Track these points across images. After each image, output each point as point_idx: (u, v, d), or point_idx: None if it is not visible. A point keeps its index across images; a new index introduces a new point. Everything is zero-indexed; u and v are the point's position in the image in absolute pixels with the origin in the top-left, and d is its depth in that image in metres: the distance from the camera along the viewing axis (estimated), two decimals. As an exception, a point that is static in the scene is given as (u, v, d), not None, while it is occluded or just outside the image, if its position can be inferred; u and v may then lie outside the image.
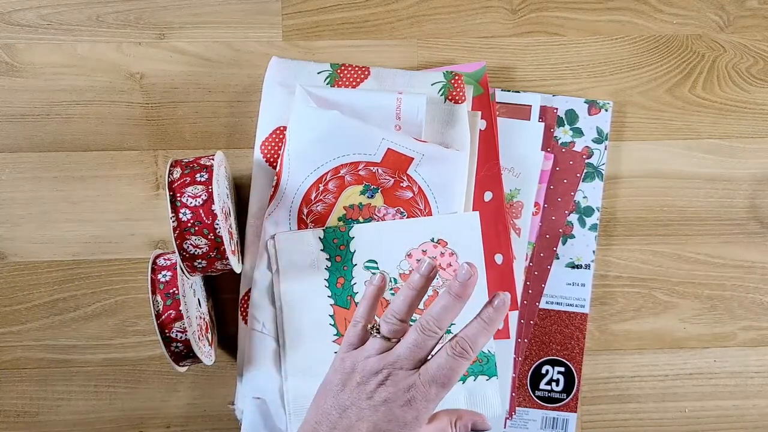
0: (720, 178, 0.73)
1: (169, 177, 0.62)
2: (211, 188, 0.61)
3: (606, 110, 0.72)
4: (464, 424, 0.55)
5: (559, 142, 0.72)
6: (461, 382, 0.67)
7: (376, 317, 0.57)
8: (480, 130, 0.70)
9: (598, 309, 0.73)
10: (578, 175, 0.72)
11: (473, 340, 0.52)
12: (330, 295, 0.68)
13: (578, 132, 0.72)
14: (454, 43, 0.73)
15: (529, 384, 0.72)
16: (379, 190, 0.68)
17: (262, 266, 0.68)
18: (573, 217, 0.72)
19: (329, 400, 0.53)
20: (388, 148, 0.67)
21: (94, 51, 0.72)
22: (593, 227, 0.72)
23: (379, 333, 0.54)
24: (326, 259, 0.68)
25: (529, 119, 0.72)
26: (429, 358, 0.53)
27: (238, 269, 0.66)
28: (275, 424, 0.67)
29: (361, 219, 0.68)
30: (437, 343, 0.53)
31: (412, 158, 0.67)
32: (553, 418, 0.71)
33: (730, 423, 0.73)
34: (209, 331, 0.68)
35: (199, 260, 0.62)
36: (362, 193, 0.68)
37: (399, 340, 0.54)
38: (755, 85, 0.73)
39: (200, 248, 0.61)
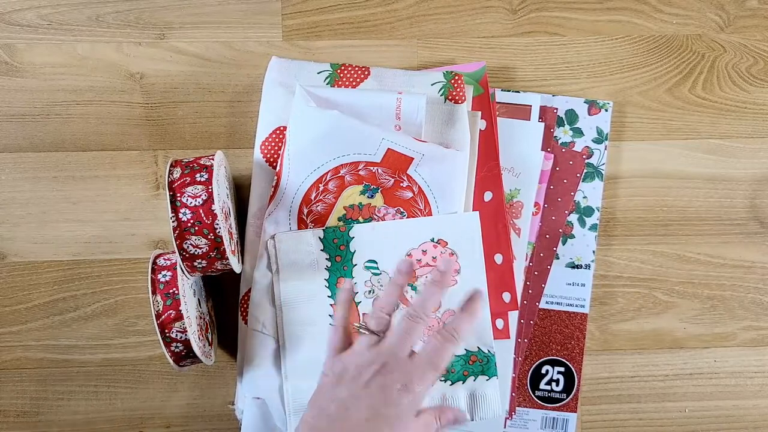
0: (720, 178, 0.73)
1: (169, 177, 0.62)
2: (211, 188, 0.61)
3: (606, 110, 0.72)
4: (447, 417, 0.58)
5: (559, 142, 0.72)
6: (461, 382, 0.67)
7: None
8: (480, 130, 0.70)
9: (598, 309, 0.73)
10: (578, 175, 0.72)
11: (459, 325, 0.57)
12: (330, 295, 0.68)
13: (578, 132, 0.72)
14: (454, 43, 0.73)
15: (529, 384, 0.72)
16: (379, 190, 0.68)
17: (262, 266, 0.68)
18: (573, 217, 0.72)
19: (325, 397, 0.55)
20: (388, 148, 0.67)
21: (94, 51, 0.72)
22: (593, 227, 0.72)
23: (368, 329, 0.57)
24: (326, 259, 0.68)
25: (529, 119, 0.72)
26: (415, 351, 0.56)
27: (238, 269, 0.66)
28: (275, 424, 0.67)
29: (361, 219, 0.68)
30: (423, 330, 0.57)
31: (412, 158, 0.67)
32: (553, 418, 0.71)
33: (730, 423, 0.73)
34: (209, 331, 0.68)
35: (199, 260, 0.62)
36: (362, 193, 0.68)
37: (385, 334, 0.57)
38: (755, 85, 0.73)
39: (200, 248, 0.61)
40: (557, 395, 0.72)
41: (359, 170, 0.68)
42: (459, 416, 0.59)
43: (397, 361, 0.55)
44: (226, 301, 0.71)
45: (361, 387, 0.54)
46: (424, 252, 0.68)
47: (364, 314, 0.66)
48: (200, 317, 0.66)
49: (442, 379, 0.67)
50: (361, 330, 0.58)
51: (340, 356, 0.57)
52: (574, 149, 0.72)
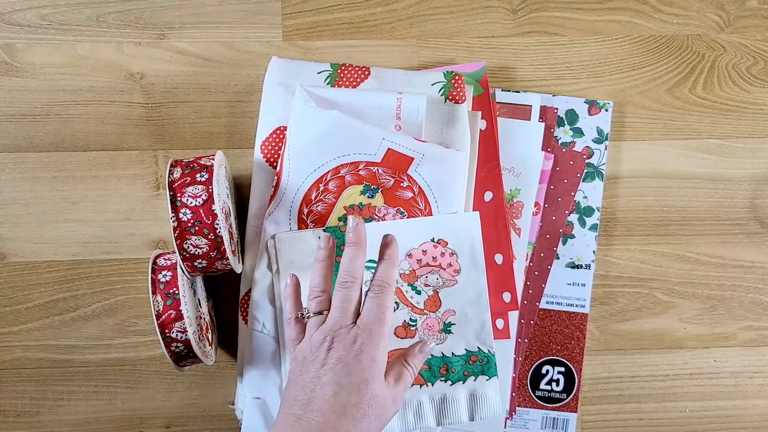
0: (720, 178, 0.73)
1: (169, 177, 0.62)
2: (212, 188, 0.61)
3: (606, 110, 0.72)
4: (413, 358, 0.60)
5: (560, 142, 0.72)
6: (461, 382, 0.67)
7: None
8: (480, 130, 0.70)
9: (598, 309, 0.73)
10: (578, 175, 0.72)
11: (385, 275, 0.59)
12: (330, 295, 0.68)
13: (578, 132, 0.72)
14: (454, 43, 0.73)
15: (529, 384, 0.72)
16: (379, 190, 0.68)
17: (262, 266, 0.68)
18: (573, 217, 0.72)
19: (293, 388, 0.56)
20: (389, 148, 0.67)
21: (94, 51, 0.72)
22: (593, 227, 0.72)
23: (311, 313, 0.59)
24: (326, 259, 0.68)
25: (529, 119, 0.72)
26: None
27: (238, 269, 0.66)
28: (275, 424, 0.67)
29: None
30: (360, 294, 0.59)
31: (413, 158, 0.67)
32: (553, 418, 0.71)
33: (730, 423, 0.73)
34: (209, 331, 0.68)
35: (200, 260, 0.62)
36: (362, 193, 0.68)
37: (327, 311, 0.59)
38: (755, 85, 0.73)
39: (200, 248, 0.61)
40: (557, 395, 0.72)
41: (359, 170, 0.68)
42: (424, 348, 0.61)
43: (343, 332, 0.57)
44: (226, 301, 0.71)
45: (319, 366, 0.56)
46: (424, 252, 0.68)
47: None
48: (200, 317, 0.66)
49: (443, 379, 0.67)
50: (306, 317, 0.59)
51: (297, 347, 0.59)
52: (574, 149, 0.72)
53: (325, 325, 0.58)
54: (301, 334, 0.60)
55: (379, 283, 0.59)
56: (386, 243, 0.61)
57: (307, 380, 0.56)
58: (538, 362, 0.72)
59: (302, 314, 0.60)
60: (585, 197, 0.72)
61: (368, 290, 0.59)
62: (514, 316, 0.70)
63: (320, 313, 0.59)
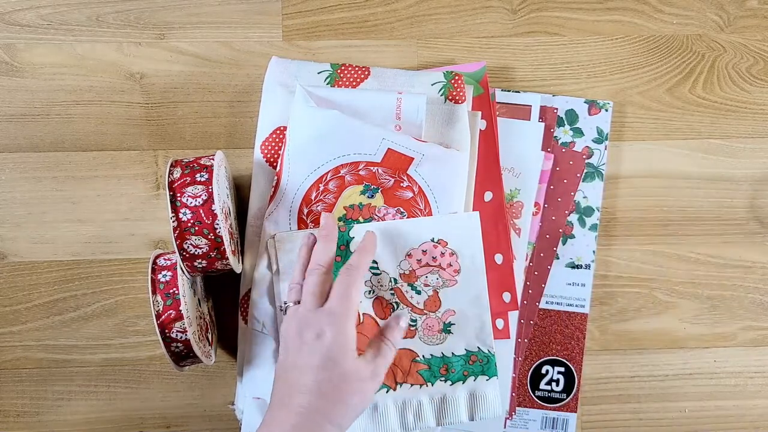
0: (720, 178, 0.73)
1: (169, 177, 0.62)
2: (211, 188, 0.61)
3: (606, 110, 0.72)
4: (391, 331, 0.62)
5: (559, 142, 0.72)
6: (461, 382, 0.67)
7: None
8: (480, 130, 0.70)
9: (598, 309, 0.73)
10: (578, 175, 0.72)
11: (357, 260, 0.62)
12: (330, 295, 0.68)
13: (578, 132, 0.72)
14: (454, 43, 0.73)
15: (529, 384, 0.72)
16: (379, 190, 0.68)
17: (262, 266, 0.68)
18: (573, 217, 0.72)
19: (281, 372, 0.59)
20: (389, 148, 0.67)
21: (94, 51, 0.72)
22: (593, 227, 0.72)
23: (289, 303, 0.62)
24: (326, 259, 0.68)
25: (529, 119, 0.72)
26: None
27: (238, 269, 0.66)
28: (275, 424, 0.68)
29: (361, 219, 0.68)
30: (330, 283, 0.61)
31: (412, 158, 0.67)
32: (553, 418, 0.71)
33: (730, 423, 0.73)
34: (209, 331, 0.68)
35: (199, 260, 0.62)
36: (362, 193, 0.68)
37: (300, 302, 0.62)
38: (755, 85, 0.73)
39: (200, 248, 0.61)
40: (557, 395, 0.72)
41: (359, 170, 0.68)
42: (401, 319, 0.62)
43: (309, 316, 0.59)
44: (226, 301, 0.71)
45: (295, 353, 0.59)
46: (424, 252, 0.68)
47: (364, 314, 0.66)
48: (200, 317, 0.66)
49: (443, 379, 0.67)
50: (284, 310, 0.63)
51: (280, 336, 0.62)
52: (574, 149, 0.72)
53: (297, 313, 0.61)
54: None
55: (348, 266, 0.61)
56: (366, 235, 0.65)
57: (292, 361, 0.59)
58: (538, 362, 0.72)
59: (280, 307, 0.65)
60: (585, 197, 0.72)
61: (339, 273, 0.61)
62: (514, 316, 0.70)
63: (298, 302, 0.62)
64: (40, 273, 0.71)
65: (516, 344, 0.71)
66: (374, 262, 0.68)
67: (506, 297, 0.69)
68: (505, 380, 0.70)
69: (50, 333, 0.71)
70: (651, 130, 0.73)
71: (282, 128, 0.70)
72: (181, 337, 0.61)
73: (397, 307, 0.67)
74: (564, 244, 0.72)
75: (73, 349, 0.71)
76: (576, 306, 0.72)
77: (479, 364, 0.67)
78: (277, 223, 0.68)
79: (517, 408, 0.71)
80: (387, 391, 0.66)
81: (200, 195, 0.60)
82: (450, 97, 0.69)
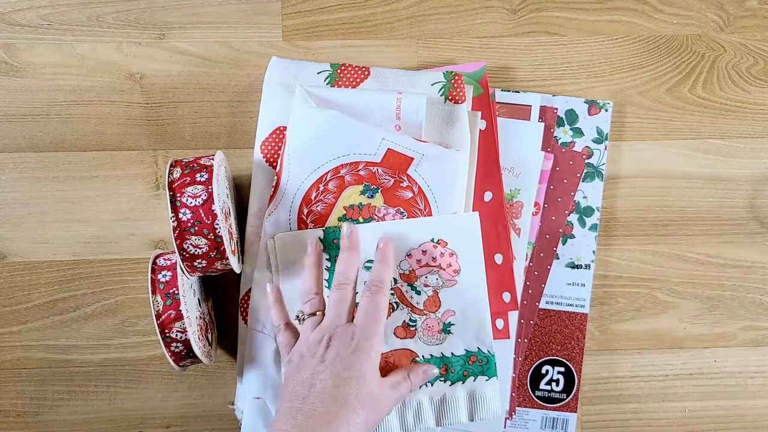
0: (720, 178, 0.73)
1: (169, 177, 0.62)
2: (211, 188, 0.61)
3: (606, 110, 0.72)
4: (417, 374, 0.63)
5: (559, 142, 0.72)
6: (461, 382, 0.67)
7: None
8: (480, 130, 0.70)
9: (598, 309, 0.73)
10: (578, 175, 0.72)
11: (380, 276, 0.63)
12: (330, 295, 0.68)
13: (578, 132, 0.72)
14: (454, 43, 0.73)
15: (529, 384, 0.72)
16: (379, 190, 0.68)
17: (262, 266, 0.68)
18: (573, 217, 0.72)
19: (291, 384, 0.58)
20: (388, 148, 0.67)
21: (94, 51, 0.72)
22: (593, 227, 0.72)
23: (305, 315, 0.62)
24: (326, 259, 0.68)
25: (529, 119, 0.72)
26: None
27: (238, 269, 0.66)
28: (275, 424, 0.68)
29: (361, 219, 0.68)
30: (354, 295, 0.62)
31: (412, 158, 0.67)
32: (553, 418, 0.71)
33: (730, 423, 0.73)
34: (209, 331, 0.68)
35: (199, 260, 0.62)
36: (362, 193, 0.68)
37: (323, 312, 0.62)
38: (755, 85, 0.73)
39: (200, 248, 0.61)
40: (557, 395, 0.72)
41: (359, 170, 0.68)
42: (429, 371, 0.64)
43: (341, 330, 0.60)
44: (226, 301, 0.71)
45: (318, 362, 0.58)
46: (424, 252, 0.68)
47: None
48: (200, 317, 0.66)
49: (442, 379, 0.67)
50: (301, 320, 0.63)
51: (292, 350, 0.62)
52: (574, 149, 0.72)
53: (323, 324, 0.61)
54: (294, 338, 0.63)
55: (375, 283, 0.62)
56: (383, 245, 0.65)
57: (305, 376, 0.58)
58: (537, 362, 0.72)
59: (297, 317, 0.64)
60: (585, 197, 0.72)
61: (364, 290, 0.62)
62: (514, 316, 0.70)
63: (314, 314, 0.62)
64: (40, 273, 0.71)
65: (516, 344, 0.71)
66: (372, 262, 0.68)
67: (506, 297, 0.69)
68: (504, 380, 0.70)
69: (50, 333, 0.71)
70: (651, 130, 0.73)
71: (282, 128, 0.70)
72: (181, 337, 0.61)
73: (397, 307, 0.67)
74: (564, 244, 0.72)
75: (73, 349, 0.71)
76: (576, 306, 0.72)
77: (479, 365, 0.67)
78: (277, 223, 0.68)
79: (517, 408, 0.71)
80: (387, 391, 0.66)
81: (200, 195, 0.60)
82: (450, 97, 0.69)
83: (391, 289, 0.68)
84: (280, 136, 0.70)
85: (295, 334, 0.64)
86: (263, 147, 0.70)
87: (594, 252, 0.72)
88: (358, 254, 0.64)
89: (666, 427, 0.73)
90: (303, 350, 0.60)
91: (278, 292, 0.67)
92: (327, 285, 0.68)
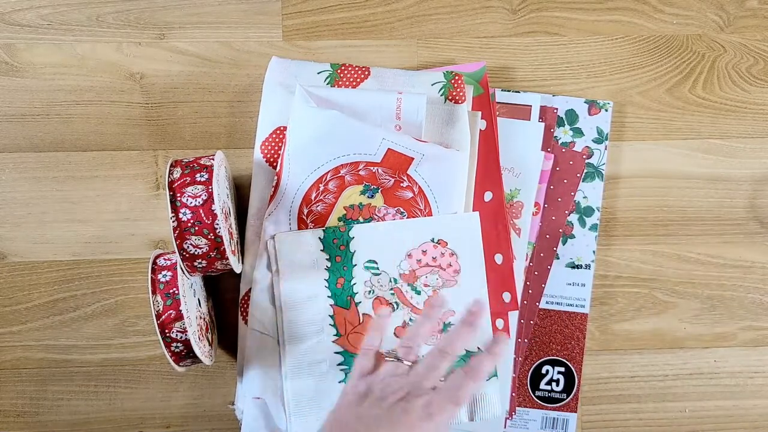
0: (720, 178, 0.73)
1: (169, 177, 0.62)
2: (211, 188, 0.61)
3: (606, 110, 0.72)
4: None
5: (559, 142, 0.72)
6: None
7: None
8: (480, 130, 0.70)
9: (598, 309, 0.73)
10: (578, 175, 0.72)
11: (479, 364, 0.57)
12: (330, 295, 0.68)
13: (578, 132, 0.72)
14: (454, 43, 0.73)
15: (529, 384, 0.72)
16: (379, 190, 0.68)
17: (262, 266, 0.68)
18: (573, 217, 0.72)
19: (347, 413, 0.56)
20: (389, 148, 0.67)
21: (94, 51, 0.72)
22: (593, 227, 0.72)
23: (397, 358, 0.58)
24: (326, 259, 0.68)
25: (529, 119, 0.72)
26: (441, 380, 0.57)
27: (238, 269, 0.66)
28: (275, 424, 0.67)
29: (361, 219, 0.68)
30: (447, 366, 0.57)
31: (412, 158, 0.67)
32: (553, 418, 0.71)
33: (730, 423, 0.73)
34: (209, 331, 0.68)
35: (199, 260, 0.62)
36: (362, 193, 0.68)
37: (412, 364, 0.58)
38: (755, 85, 0.73)
39: (200, 248, 0.61)
40: (557, 395, 0.72)
41: (359, 170, 0.68)
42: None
43: (420, 391, 0.56)
44: (226, 301, 0.71)
45: (384, 408, 0.55)
46: (424, 252, 0.68)
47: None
48: (200, 317, 0.66)
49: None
50: (389, 358, 0.59)
51: (365, 378, 0.58)
52: (574, 149, 0.72)
53: (408, 376, 0.57)
54: (373, 368, 0.59)
55: (474, 368, 0.57)
56: (474, 311, 0.59)
57: (365, 413, 0.55)
58: (538, 362, 0.72)
59: (386, 353, 0.59)
60: (585, 197, 0.72)
61: (461, 367, 0.57)
62: (514, 316, 0.70)
63: (402, 361, 0.58)
64: (40, 273, 0.71)
65: (516, 344, 0.71)
66: (374, 262, 0.68)
67: (506, 297, 0.69)
68: (505, 380, 0.70)
69: (50, 333, 0.71)
70: (651, 130, 0.73)
71: (282, 128, 0.70)
72: (181, 337, 0.61)
73: (398, 307, 0.67)
74: (564, 244, 0.72)
75: (73, 349, 0.71)
76: (576, 306, 0.72)
77: (479, 364, 0.67)
78: (277, 223, 0.68)
79: (517, 408, 0.71)
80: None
81: (200, 195, 0.60)
82: (450, 97, 0.69)
83: (391, 289, 0.68)
84: (280, 136, 0.70)
85: (375, 364, 0.59)
86: (263, 147, 0.70)
87: (594, 252, 0.72)
88: (475, 333, 0.58)
89: (666, 427, 0.73)
90: (374, 386, 0.57)
91: (388, 318, 0.64)
92: (327, 285, 0.68)
